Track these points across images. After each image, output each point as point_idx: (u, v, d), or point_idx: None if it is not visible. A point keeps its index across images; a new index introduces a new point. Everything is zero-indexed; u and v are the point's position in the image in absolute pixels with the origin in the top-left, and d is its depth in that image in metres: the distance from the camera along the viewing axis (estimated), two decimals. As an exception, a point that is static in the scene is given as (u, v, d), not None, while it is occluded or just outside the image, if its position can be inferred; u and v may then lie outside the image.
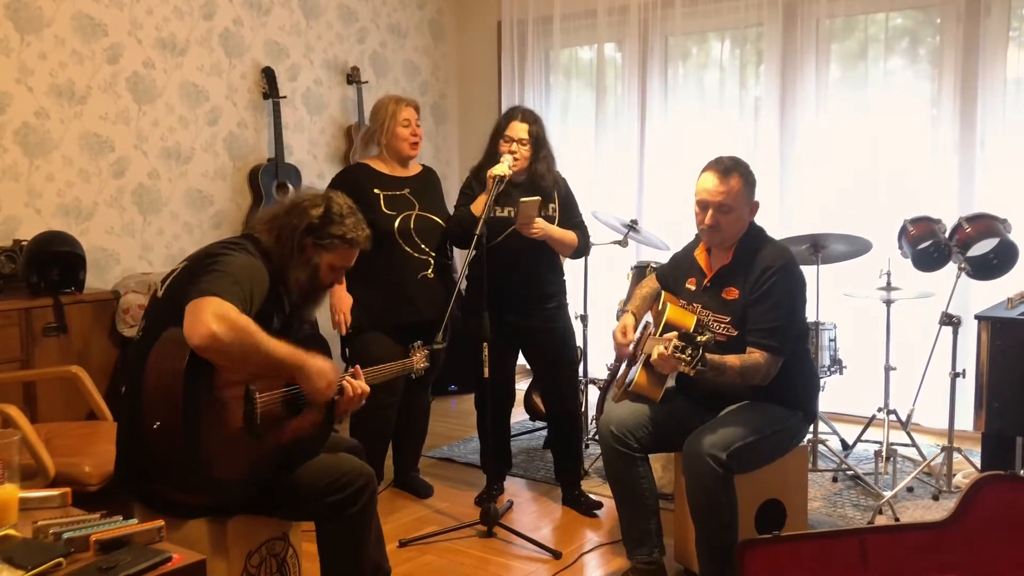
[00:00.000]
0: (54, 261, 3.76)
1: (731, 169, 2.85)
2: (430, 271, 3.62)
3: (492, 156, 3.55)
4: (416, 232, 3.61)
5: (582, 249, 3.70)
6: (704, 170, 2.91)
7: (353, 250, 2.53)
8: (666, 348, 2.60)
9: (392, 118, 3.63)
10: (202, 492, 2.21)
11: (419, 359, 2.94)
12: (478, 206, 3.48)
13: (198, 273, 2.24)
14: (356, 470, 2.47)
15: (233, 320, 2.10)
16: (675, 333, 2.63)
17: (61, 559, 1.74)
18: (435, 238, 3.67)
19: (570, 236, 3.59)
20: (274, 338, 2.22)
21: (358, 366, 2.62)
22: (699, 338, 2.56)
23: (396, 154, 3.68)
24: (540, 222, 3.46)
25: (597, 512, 3.69)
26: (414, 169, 3.79)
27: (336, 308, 3.56)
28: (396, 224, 3.57)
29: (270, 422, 2.33)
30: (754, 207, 2.94)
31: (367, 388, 2.56)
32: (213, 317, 2.07)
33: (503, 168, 3.39)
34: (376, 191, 3.60)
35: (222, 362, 2.14)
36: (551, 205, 3.60)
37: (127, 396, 2.34)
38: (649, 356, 2.76)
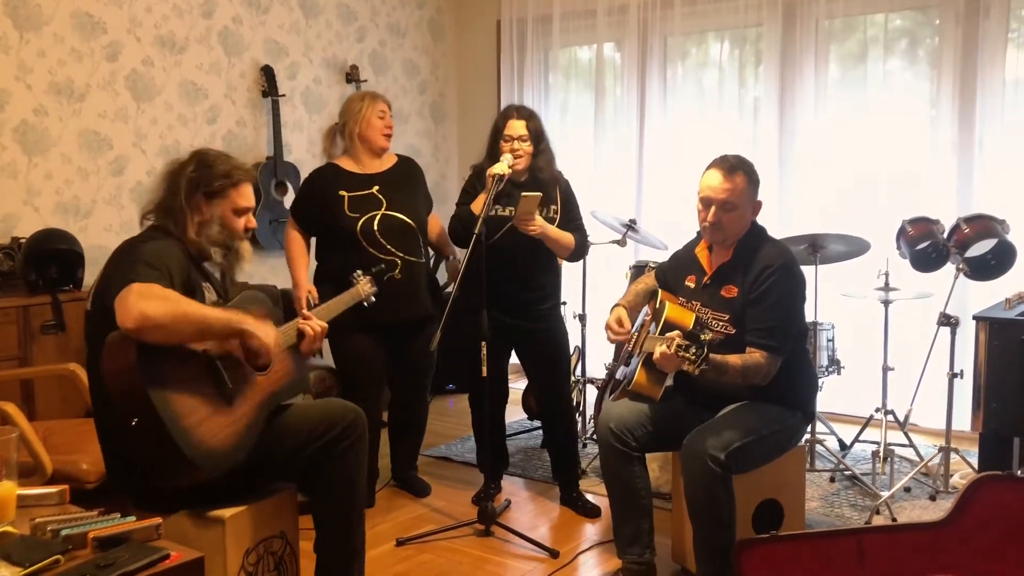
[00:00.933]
0: (52, 259, 3.76)
1: (736, 167, 2.86)
2: (397, 272, 3.54)
3: (493, 156, 3.54)
4: (381, 233, 3.53)
5: (579, 252, 3.66)
6: (709, 167, 2.91)
7: (243, 186, 2.51)
8: (669, 347, 2.60)
9: (369, 107, 3.60)
10: (200, 468, 2.21)
11: (364, 285, 3.05)
12: (478, 205, 3.47)
13: (113, 273, 2.28)
14: (343, 408, 2.56)
15: (156, 294, 2.16)
16: (678, 332, 2.63)
17: (59, 556, 1.74)
18: (403, 238, 3.59)
19: (567, 237, 3.56)
20: (206, 305, 2.28)
21: (304, 310, 2.72)
22: (704, 336, 2.56)
23: (369, 146, 3.62)
24: (539, 220, 3.45)
25: (594, 516, 3.68)
26: (388, 162, 3.71)
27: (300, 286, 3.55)
28: (359, 226, 3.51)
29: (241, 382, 2.37)
30: (757, 206, 2.94)
31: (325, 325, 2.67)
32: (137, 297, 2.12)
33: (502, 167, 3.38)
34: (341, 192, 3.55)
35: (162, 339, 2.17)
36: (552, 207, 3.58)
37: (99, 411, 2.38)
38: (650, 355, 2.76)
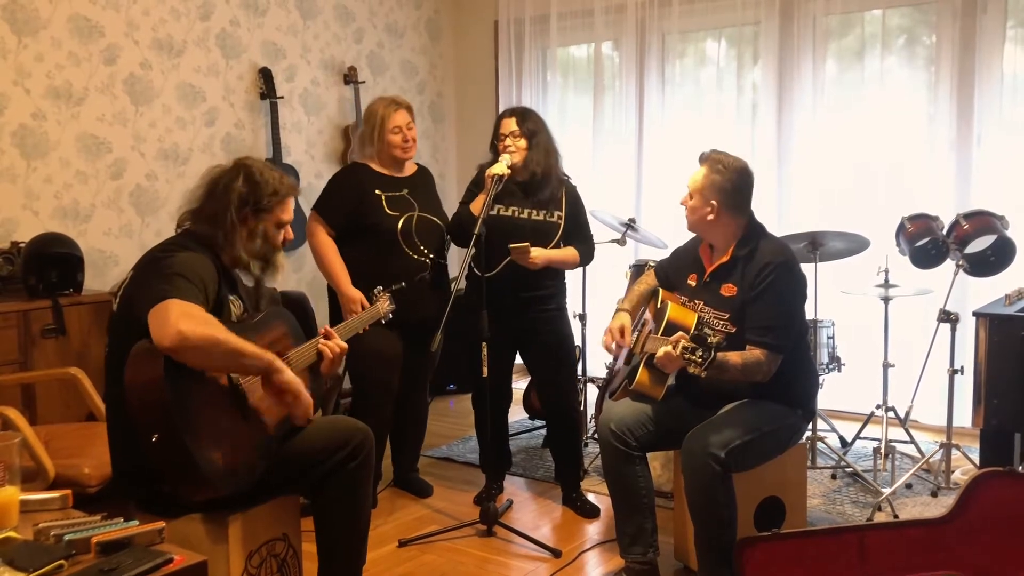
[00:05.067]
0: (52, 263, 3.75)
1: (703, 159, 2.94)
2: (427, 273, 3.62)
3: (495, 159, 3.55)
4: (417, 233, 3.61)
5: (584, 261, 3.71)
6: None
7: (288, 201, 2.54)
8: (674, 349, 2.60)
9: (381, 125, 3.62)
10: (219, 487, 2.22)
11: (384, 303, 3.09)
12: (477, 205, 3.48)
13: (148, 280, 2.26)
14: (352, 428, 2.57)
15: (196, 315, 2.14)
16: (682, 334, 2.63)
17: (62, 561, 1.74)
18: (434, 239, 3.67)
19: (571, 255, 3.61)
20: (237, 335, 2.26)
21: (327, 327, 2.72)
22: (711, 340, 2.57)
23: (390, 159, 3.67)
24: (536, 253, 3.45)
25: (593, 517, 3.68)
26: (410, 169, 3.78)
27: (352, 298, 3.49)
28: (399, 225, 3.57)
29: (260, 402, 2.37)
30: (729, 207, 2.90)
31: (344, 345, 2.66)
32: (178, 317, 2.10)
33: (501, 167, 3.39)
34: (378, 192, 3.61)
35: (194, 362, 2.17)
36: (556, 212, 3.59)
37: (111, 413, 2.37)
38: (652, 355, 2.76)
